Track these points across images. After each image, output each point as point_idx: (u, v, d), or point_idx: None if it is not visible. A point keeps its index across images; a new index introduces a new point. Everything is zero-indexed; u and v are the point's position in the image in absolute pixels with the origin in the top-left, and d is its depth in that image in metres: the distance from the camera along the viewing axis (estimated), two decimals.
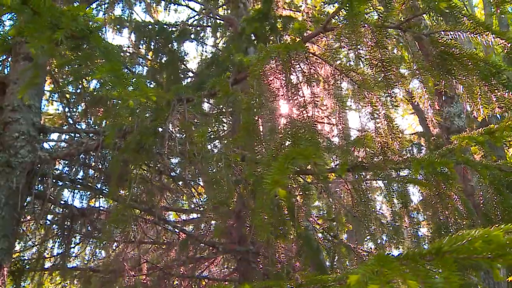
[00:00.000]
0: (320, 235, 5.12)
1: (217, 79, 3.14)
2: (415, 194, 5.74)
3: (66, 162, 5.38)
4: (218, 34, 9.22)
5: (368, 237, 4.32)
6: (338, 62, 2.78)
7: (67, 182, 5.19)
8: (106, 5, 7.46)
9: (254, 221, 2.20)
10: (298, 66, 2.79)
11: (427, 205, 3.78)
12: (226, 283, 6.14)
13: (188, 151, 3.12)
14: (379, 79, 2.55)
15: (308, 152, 1.86)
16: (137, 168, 3.82)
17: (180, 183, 5.72)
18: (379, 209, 5.19)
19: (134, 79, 2.55)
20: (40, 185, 5.26)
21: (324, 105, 4.51)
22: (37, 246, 6.28)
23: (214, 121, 2.96)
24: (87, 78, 4.82)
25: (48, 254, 6.33)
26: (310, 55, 2.78)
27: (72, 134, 5.27)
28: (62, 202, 5.29)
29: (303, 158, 1.86)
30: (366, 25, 2.50)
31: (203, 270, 6.82)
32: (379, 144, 2.81)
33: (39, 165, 4.74)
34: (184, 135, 3.40)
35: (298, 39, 2.94)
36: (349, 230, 5.77)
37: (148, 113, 3.27)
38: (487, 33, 2.38)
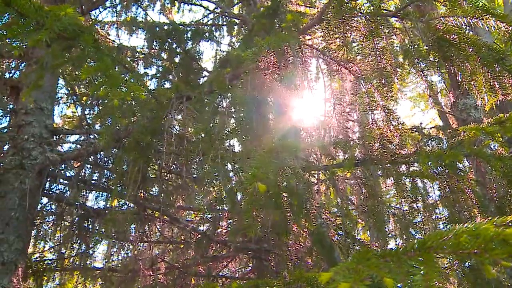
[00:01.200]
0: (333, 231, 5.02)
1: (214, 76, 3.10)
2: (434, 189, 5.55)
3: (79, 163, 5.43)
4: (234, 33, 9.19)
5: (377, 233, 4.23)
6: (335, 53, 2.69)
7: (79, 183, 5.24)
8: (118, 7, 7.52)
9: (243, 218, 2.15)
10: (293, 59, 2.72)
11: (440, 199, 3.66)
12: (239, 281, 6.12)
13: (185, 149, 3.10)
14: (375, 69, 2.45)
15: (292, 146, 1.80)
16: (144, 167, 3.82)
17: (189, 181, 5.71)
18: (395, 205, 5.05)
19: (125, 78, 2.53)
20: (53, 186, 5.35)
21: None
22: (57, 246, 6.37)
23: (210, 117, 2.91)
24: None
25: (67, 254, 6.41)
26: (305, 47, 2.71)
27: (84, 136, 5.31)
28: (77, 203, 5.33)
29: (286, 152, 1.80)
30: (360, 13, 2.41)
31: (221, 269, 6.81)
32: (378, 137, 2.72)
33: (51, 167, 4.80)
34: (182, 133, 3.38)
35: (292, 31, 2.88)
36: (370, 228, 5.67)
37: (148, 112, 3.26)
38: (487, 16, 2.26)
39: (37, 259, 6.27)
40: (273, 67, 2.79)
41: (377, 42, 2.41)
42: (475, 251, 1.43)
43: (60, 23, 2.32)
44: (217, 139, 2.65)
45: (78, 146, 5.32)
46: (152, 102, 3.30)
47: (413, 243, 1.58)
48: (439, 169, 3.55)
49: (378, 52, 2.42)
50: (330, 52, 2.71)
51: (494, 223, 1.58)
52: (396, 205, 3.70)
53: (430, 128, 6.13)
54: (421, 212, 3.93)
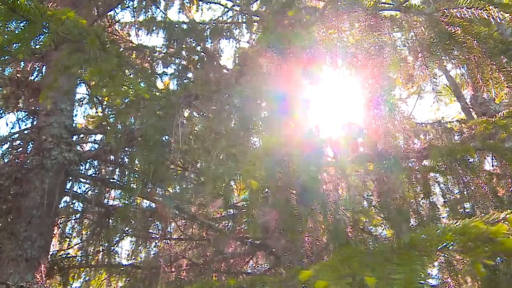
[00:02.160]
0: (350, 228, 4.99)
1: (220, 74, 3.12)
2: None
3: (100, 161, 5.55)
4: (254, 30, 9.19)
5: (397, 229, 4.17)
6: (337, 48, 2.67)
7: (98, 182, 5.36)
8: (135, 6, 7.61)
9: (246, 217, 2.16)
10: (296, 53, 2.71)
11: (450, 193, 3.59)
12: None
13: (193, 147, 3.14)
14: (376, 63, 2.42)
15: (277, 143, 1.81)
16: (157, 165, 3.88)
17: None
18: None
19: (129, 79, 2.58)
20: (77, 185, 5.50)
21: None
22: (82, 244, 6.52)
23: (216, 116, 2.94)
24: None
25: (92, 251, 6.56)
26: (307, 42, 2.70)
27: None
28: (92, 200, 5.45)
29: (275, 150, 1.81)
30: (359, 8, 2.39)
31: (242, 266, 6.84)
32: (381, 131, 2.69)
33: (70, 166, 4.92)
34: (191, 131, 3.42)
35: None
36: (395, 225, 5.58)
37: (158, 111, 3.31)
38: (489, 6, 2.20)
39: (63, 256, 6.43)
40: (276, 63, 2.79)
41: (378, 36, 2.38)
42: (460, 249, 1.41)
43: (64, 27, 2.38)
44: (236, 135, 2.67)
45: (97, 146, 5.44)
46: (162, 101, 3.35)
47: (403, 241, 1.56)
48: (453, 164, 3.48)
49: (378, 47, 2.39)
50: (331, 46, 2.69)
51: (486, 220, 1.55)
52: (411, 200, 3.64)
53: (451, 122, 6.00)
54: (442, 208, 3.87)
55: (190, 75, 7.45)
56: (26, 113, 5.53)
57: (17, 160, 4.93)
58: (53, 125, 5.09)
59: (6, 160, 4.99)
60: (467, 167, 3.46)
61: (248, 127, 2.68)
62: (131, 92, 2.39)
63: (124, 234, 6.60)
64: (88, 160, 5.36)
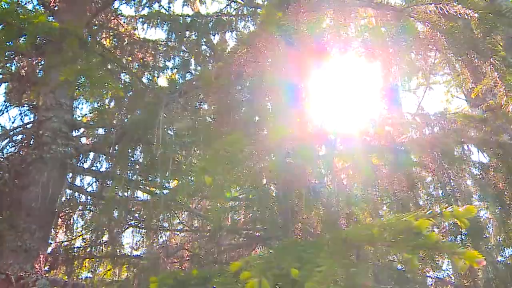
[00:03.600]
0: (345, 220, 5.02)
1: (200, 72, 3.18)
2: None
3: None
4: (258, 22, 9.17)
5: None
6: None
7: (98, 175, 5.47)
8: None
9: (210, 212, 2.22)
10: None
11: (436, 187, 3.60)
12: None
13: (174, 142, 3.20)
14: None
15: (236, 140, 1.86)
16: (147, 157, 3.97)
17: None
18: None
19: (105, 78, 2.65)
20: (76, 178, 5.63)
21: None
22: (85, 235, 6.67)
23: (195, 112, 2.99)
24: None
25: (95, 242, 6.71)
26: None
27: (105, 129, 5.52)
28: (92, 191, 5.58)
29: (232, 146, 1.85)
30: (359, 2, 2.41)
31: (241, 257, 6.91)
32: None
33: (69, 160, 5.04)
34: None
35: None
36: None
37: (143, 106, 3.38)
38: (454, 3, 2.21)
39: (67, 248, 6.59)
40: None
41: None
42: (388, 243, 1.45)
43: (39, 29, 2.45)
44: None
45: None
46: (147, 96, 3.43)
47: (342, 235, 1.61)
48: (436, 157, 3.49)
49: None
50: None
51: (421, 215, 1.59)
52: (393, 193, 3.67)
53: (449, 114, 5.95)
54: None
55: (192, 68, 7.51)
56: (28, 108, 5.66)
57: (17, 153, 5.06)
58: (52, 120, 5.20)
59: (6, 154, 5.12)
60: (452, 160, 3.47)
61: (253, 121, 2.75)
62: (105, 92, 2.46)
63: (127, 226, 6.75)
64: (88, 154, 5.48)
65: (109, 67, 4.26)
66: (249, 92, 5.25)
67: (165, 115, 3.45)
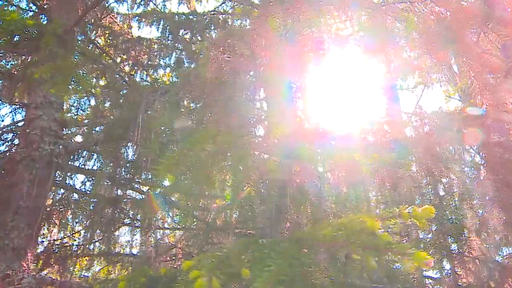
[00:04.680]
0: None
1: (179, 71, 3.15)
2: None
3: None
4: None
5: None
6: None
7: (89, 173, 5.46)
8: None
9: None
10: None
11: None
12: None
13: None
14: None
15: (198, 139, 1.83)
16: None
17: None
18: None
19: (80, 77, 2.63)
20: (67, 177, 5.62)
21: None
22: (78, 233, 6.67)
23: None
24: None
25: (88, 241, 6.69)
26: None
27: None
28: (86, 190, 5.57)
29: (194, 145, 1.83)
30: None
31: None
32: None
33: (58, 158, 5.03)
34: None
35: None
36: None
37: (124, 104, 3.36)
38: (427, 1, 2.18)
39: (60, 246, 6.58)
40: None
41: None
42: (341, 243, 1.43)
43: (13, 26, 2.44)
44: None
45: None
46: (129, 95, 3.41)
47: (296, 235, 1.58)
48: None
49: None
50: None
51: (378, 216, 1.56)
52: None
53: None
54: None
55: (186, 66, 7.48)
56: (19, 106, 5.66)
57: (7, 152, 5.06)
58: (42, 118, 5.20)
59: None
60: (439, 160, 3.44)
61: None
62: (78, 90, 2.45)
63: (120, 224, 6.73)
64: (78, 152, 5.47)
65: (91, 65, 4.24)
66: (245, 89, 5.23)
67: (148, 114, 3.43)
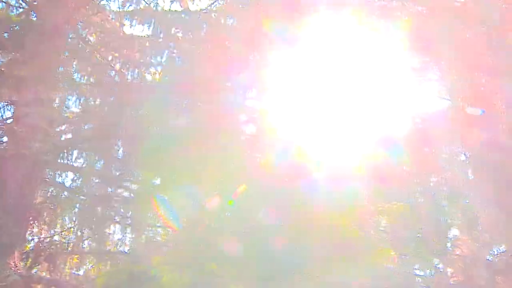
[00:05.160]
0: None
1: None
2: None
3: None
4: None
5: None
6: None
7: (79, 171, 5.45)
8: None
9: None
10: None
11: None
12: None
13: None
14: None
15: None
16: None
17: None
18: None
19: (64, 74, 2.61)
20: (57, 175, 5.60)
21: None
22: (67, 231, 6.63)
23: None
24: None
25: (77, 239, 6.67)
26: None
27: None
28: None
29: None
30: None
31: None
32: None
33: (47, 155, 5.01)
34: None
35: None
36: None
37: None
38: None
39: (49, 244, 6.55)
40: None
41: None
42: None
43: None
44: None
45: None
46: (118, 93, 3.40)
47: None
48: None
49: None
50: None
51: None
52: None
53: None
54: None
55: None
56: (7, 103, 5.63)
57: None
58: (31, 115, 5.16)
59: None
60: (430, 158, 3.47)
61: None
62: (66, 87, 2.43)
63: (111, 222, 6.70)
64: (68, 150, 5.45)
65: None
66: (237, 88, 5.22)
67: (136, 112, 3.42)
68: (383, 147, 4.59)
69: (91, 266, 7.24)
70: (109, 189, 6.04)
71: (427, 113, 5.50)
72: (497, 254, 6.19)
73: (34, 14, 5.86)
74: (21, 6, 6.14)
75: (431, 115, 5.56)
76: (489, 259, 6.12)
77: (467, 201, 5.60)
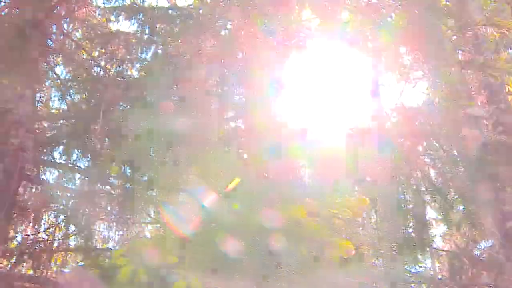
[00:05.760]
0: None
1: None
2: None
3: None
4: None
5: None
6: None
7: (63, 168, 5.40)
8: None
9: None
10: None
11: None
12: None
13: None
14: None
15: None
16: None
17: None
18: None
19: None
20: (38, 171, 5.54)
21: None
22: (52, 228, 6.58)
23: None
24: None
25: (62, 236, 6.62)
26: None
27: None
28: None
29: None
30: None
31: None
32: None
33: (28, 152, 4.95)
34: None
35: None
36: None
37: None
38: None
39: (34, 241, 6.49)
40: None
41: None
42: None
43: None
44: None
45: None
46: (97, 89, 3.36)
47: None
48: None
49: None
50: None
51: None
52: None
53: None
54: None
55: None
56: None
57: None
58: (13, 111, 5.11)
59: None
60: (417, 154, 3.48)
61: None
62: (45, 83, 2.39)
63: (97, 218, 6.65)
64: (51, 146, 5.40)
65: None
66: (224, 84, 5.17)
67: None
68: (369, 143, 4.58)
69: (76, 263, 7.19)
70: (94, 186, 5.98)
71: (412, 109, 5.50)
72: (483, 249, 6.21)
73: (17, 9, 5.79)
74: (2, 0, 6.08)
75: (415, 110, 5.58)
76: (476, 254, 6.16)
77: (455, 197, 5.62)
